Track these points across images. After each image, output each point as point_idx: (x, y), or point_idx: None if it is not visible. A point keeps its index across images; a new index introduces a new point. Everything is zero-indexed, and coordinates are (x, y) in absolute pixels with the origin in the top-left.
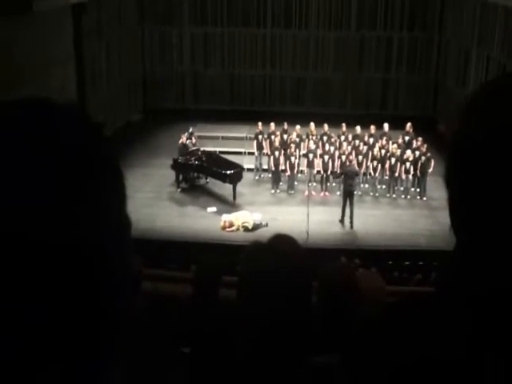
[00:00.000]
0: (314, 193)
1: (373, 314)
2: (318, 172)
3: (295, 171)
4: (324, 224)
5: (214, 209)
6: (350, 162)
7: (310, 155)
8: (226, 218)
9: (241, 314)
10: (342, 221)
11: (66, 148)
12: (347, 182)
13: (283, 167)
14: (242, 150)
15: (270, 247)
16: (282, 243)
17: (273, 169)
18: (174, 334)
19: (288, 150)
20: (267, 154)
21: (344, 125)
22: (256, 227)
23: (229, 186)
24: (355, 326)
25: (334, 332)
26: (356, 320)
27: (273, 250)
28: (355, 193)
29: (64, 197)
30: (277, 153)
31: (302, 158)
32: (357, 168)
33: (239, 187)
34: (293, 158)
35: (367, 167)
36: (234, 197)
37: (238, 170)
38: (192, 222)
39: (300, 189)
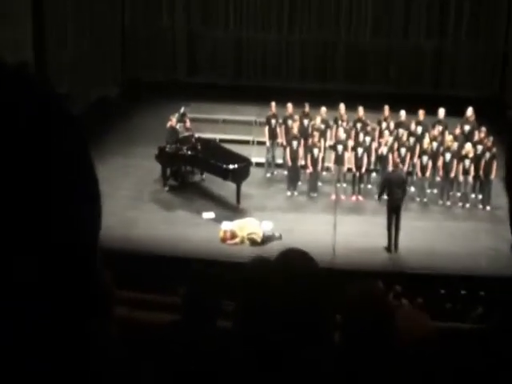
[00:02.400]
0: (343, 196)
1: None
2: (349, 170)
3: (319, 168)
4: (355, 238)
5: (211, 214)
6: (396, 165)
7: (339, 147)
8: (227, 226)
9: (238, 349)
10: (388, 248)
11: (12, 123)
12: (393, 193)
13: (303, 162)
14: (250, 138)
15: (277, 265)
16: (294, 261)
17: (289, 164)
18: (154, 374)
19: (310, 140)
20: (282, 144)
21: (386, 108)
22: (266, 240)
23: (231, 186)
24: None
25: (362, 379)
26: (391, 365)
27: (280, 269)
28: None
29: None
30: (295, 143)
31: (328, 151)
32: (404, 174)
33: (245, 187)
34: (316, 151)
35: (414, 165)
36: (238, 199)
37: (244, 165)
38: (182, 231)
39: (325, 191)
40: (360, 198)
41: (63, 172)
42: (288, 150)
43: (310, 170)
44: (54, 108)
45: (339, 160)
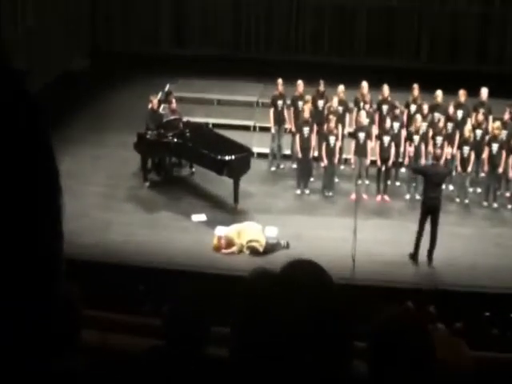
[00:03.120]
0: (365, 196)
1: None
2: (373, 163)
3: (335, 160)
4: (380, 247)
5: (202, 217)
6: (438, 157)
7: (361, 135)
8: (223, 232)
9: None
10: (414, 257)
11: None
12: (429, 191)
13: (316, 153)
14: (251, 123)
15: (282, 279)
16: (303, 274)
17: (299, 155)
18: None
19: (325, 126)
20: (291, 130)
21: (415, 87)
22: (270, 249)
23: (227, 182)
24: None
25: None
26: None
27: (287, 285)
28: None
29: None
30: (306, 129)
31: (347, 140)
32: (447, 169)
33: (244, 183)
34: (332, 139)
35: (452, 157)
36: (236, 198)
37: (243, 156)
38: (166, 238)
39: (343, 189)
40: (386, 197)
41: (10, 163)
42: (298, 137)
43: (324, 162)
44: (24, 100)
45: (361, 151)
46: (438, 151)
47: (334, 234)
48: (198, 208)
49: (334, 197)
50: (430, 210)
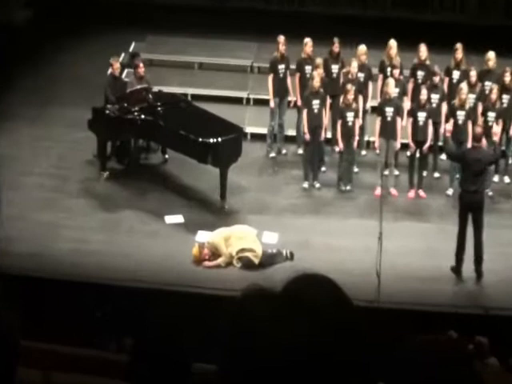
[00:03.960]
0: (393, 191)
1: None
2: (405, 146)
3: (355, 144)
4: (413, 258)
5: (178, 218)
6: (478, 138)
7: (389, 110)
8: (205, 238)
9: None
10: (457, 269)
11: None
12: (468, 183)
13: (329, 134)
14: (243, 94)
15: (285, 299)
16: (312, 293)
17: (307, 137)
18: None
19: (340, 98)
20: (296, 104)
21: (459, 47)
22: (268, 261)
23: (212, 172)
24: None
25: None
26: None
27: (290, 306)
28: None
29: None
30: (316, 103)
31: (370, 116)
32: (492, 154)
33: (235, 174)
34: (350, 116)
35: (509, 139)
36: (223, 194)
37: (233, 138)
38: (131, 245)
39: (365, 181)
40: (421, 193)
41: None
42: (305, 113)
43: (340, 146)
44: None
45: (388, 131)
46: (479, 130)
47: (353, 242)
48: (172, 207)
49: (353, 192)
50: (470, 208)
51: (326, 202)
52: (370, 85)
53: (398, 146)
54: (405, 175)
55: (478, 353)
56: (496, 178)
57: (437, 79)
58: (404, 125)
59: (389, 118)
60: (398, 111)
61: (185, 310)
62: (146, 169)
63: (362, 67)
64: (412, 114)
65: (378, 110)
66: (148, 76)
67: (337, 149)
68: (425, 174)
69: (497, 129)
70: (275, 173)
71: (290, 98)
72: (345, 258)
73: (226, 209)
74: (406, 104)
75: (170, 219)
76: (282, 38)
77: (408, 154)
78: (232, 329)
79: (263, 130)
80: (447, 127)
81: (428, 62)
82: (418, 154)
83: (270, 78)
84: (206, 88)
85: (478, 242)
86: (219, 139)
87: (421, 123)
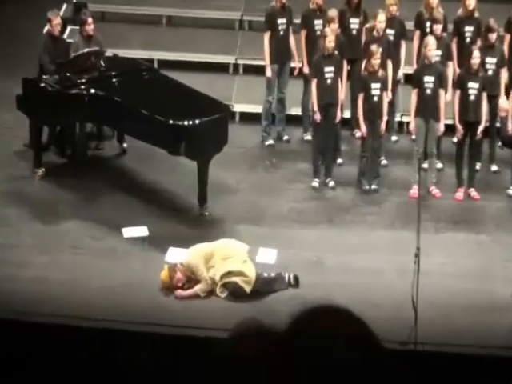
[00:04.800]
0: (435, 191)
1: None
2: (450, 129)
3: (382, 125)
4: (463, 282)
5: (140, 231)
6: None
7: (428, 80)
8: (177, 258)
9: None
10: None
11: None
12: None
13: (348, 113)
14: (229, 58)
15: (289, 339)
16: (325, 330)
17: (317, 117)
18: None
19: (363, 64)
20: (301, 71)
21: None
22: (265, 288)
23: (188, 166)
24: None
25: None
26: None
27: (296, 347)
28: None
29: None
30: (329, 70)
31: (402, 88)
32: None
33: (219, 169)
34: (376, 87)
35: None
36: (203, 197)
37: (216, 120)
38: (77, 268)
39: (396, 178)
40: (473, 193)
41: None
42: (314, 84)
43: (362, 130)
44: None
45: (428, 108)
46: None
47: (380, 261)
48: (133, 215)
49: (380, 192)
50: None
51: (343, 207)
52: (403, 45)
53: (442, 129)
54: (451, 169)
55: None
56: None
57: (493, 37)
58: (449, 100)
59: (428, 91)
60: (441, 81)
61: (149, 357)
62: (96, 163)
63: (391, 21)
64: (460, 84)
65: (414, 80)
66: (99, 35)
67: (358, 133)
68: (478, 167)
69: None
70: (273, 167)
71: (293, 64)
72: (369, 283)
73: (206, 216)
74: (451, 71)
75: (130, 232)
76: None
77: (455, 139)
78: (221, 379)
79: (257, 109)
80: (502, 104)
81: (477, 15)
82: (467, 140)
83: (267, 36)
84: (177, 51)
85: None
86: (196, 121)
87: (472, 97)
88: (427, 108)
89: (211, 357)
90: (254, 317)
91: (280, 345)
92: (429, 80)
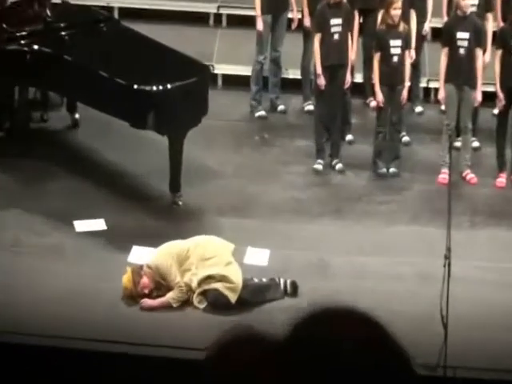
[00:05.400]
0: (470, 176)
1: None
2: (491, 99)
3: (403, 94)
4: (504, 291)
5: (97, 224)
6: None
7: (462, 36)
8: (143, 258)
9: None
10: None
11: None
12: None
13: (359, 77)
14: (210, 7)
15: (292, 347)
16: (337, 335)
17: (321, 83)
18: None
19: (379, 16)
20: (300, 23)
21: None
22: (255, 297)
23: (158, 143)
24: None
25: None
26: None
27: (300, 355)
28: None
29: None
30: (336, 22)
31: (429, 46)
32: None
33: (196, 147)
34: (395, 45)
35: None
36: (176, 182)
37: (192, 84)
38: (18, 270)
39: (422, 159)
40: None
41: None
42: (317, 41)
43: (378, 98)
44: None
45: (461, 72)
46: None
47: (400, 263)
48: (87, 204)
49: (401, 177)
50: None
51: (353, 196)
52: None
53: (479, 97)
54: (490, 148)
55: None
56: None
57: None
58: (487, 61)
59: (461, 51)
60: (478, 38)
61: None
62: (41, 138)
63: None
64: (502, 42)
65: (444, 36)
66: None
67: (372, 103)
68: None
69: None
70: (266, 144)
71: (290, 15)
72: (386, 291)
73: (179, 206)
74: (491, 25)
75: (84, 226)
76: None
77: (495, 111)
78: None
79: (245, 71)
80: None
81: None
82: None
83: None
84: None
85: None
86: (167, 86)
87: None
88: (460, 71)
89: (203, 366)
90: (244, 323)
91: (276, 353)
92: (463, 36)
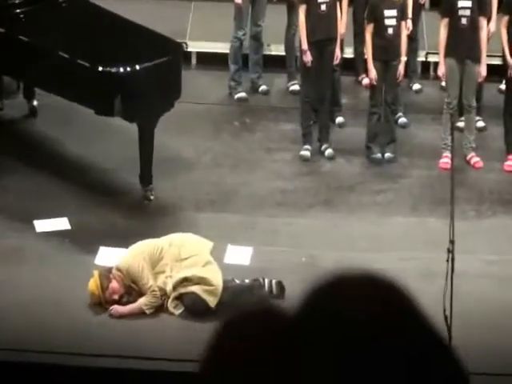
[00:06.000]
0: (474, 159)
1: None
2: (497, 73)
3: (400, 69)
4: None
5: (60, 223)
6: None
7: (464, 4)
8: (112, 260)
9: None
10: None
11: None
12: None
13: (349, 53)
14: None
15: (303, 318)
16: (351, 299)
17: (307, 60)
18: None
19: None
20: None
21: None
22: (236, 300)
23: (126, 131)
24: None
25: None
26: None
27: (311, 330)
28: None
29: None
30: None
31: (428, 16)
32: None
33: (169, 134)
34: (389, 15)
35: None
36: (146, 174)
37: (163, 64)
38: None
39: (421, 142)
40: None
41: None
42: (302, 13)
43: (371, 76)
44: None
45: (463, 45)
46: None
47: (398, 258)
48: (48, 201)
49: (397, 162)
50: None
51: (345, 184)
52: None
53: (484, 72)
54: (497, 128)
55: None
56: None
57: None
58: (493, 31)
59: (463, 21)
60: (482, 6)
61: None
62: None
63: None
64: (509, 9)
65: (444, 5)
66: None
67: (365, 80)
68: None
69: None
70: (246, 130)
71: None
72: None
73: (151, 201)
74: None
75: (45, 225)
76: None
77: (503, 86)
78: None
79: (222, 48)
80: None
81: None
82: None
83: None
84: None
85: None
86: (136, 67)
87: None
88: (462, 44)
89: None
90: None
91: (287, 328)
92: (464, 5)
